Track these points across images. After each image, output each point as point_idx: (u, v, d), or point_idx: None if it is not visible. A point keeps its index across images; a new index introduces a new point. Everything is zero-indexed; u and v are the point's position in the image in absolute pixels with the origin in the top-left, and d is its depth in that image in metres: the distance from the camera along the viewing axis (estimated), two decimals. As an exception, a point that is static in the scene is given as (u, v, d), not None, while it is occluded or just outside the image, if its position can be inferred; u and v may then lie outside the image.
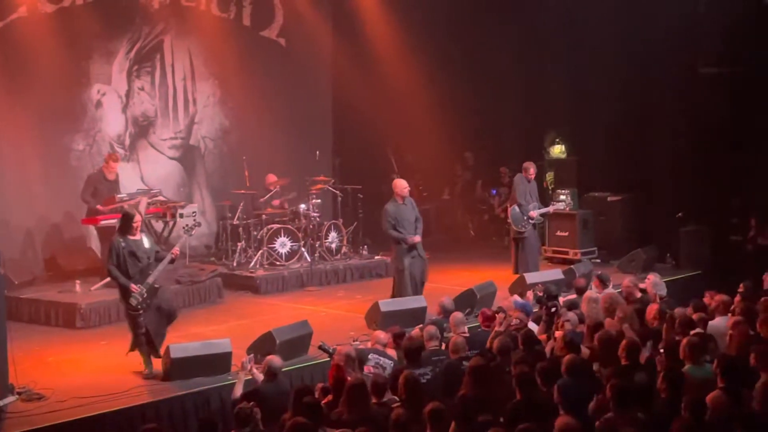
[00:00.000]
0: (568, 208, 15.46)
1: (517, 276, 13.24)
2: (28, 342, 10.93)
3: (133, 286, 9.43)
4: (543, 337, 9.44)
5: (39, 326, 11.87)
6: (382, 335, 9.31)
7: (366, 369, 8.64)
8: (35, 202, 13.68)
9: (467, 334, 9.37)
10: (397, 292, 12.11)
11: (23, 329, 11.55)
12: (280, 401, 7.83)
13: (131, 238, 9.56)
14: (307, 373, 9.75)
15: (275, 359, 8.49)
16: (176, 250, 9.89)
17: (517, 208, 13.99)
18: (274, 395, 8.04)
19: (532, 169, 14.19)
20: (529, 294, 11.21)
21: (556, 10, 16.71)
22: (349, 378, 7.78)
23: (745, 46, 14.62)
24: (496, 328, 9.56)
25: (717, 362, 7.20)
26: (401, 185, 12.30)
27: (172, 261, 9.85)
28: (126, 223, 9.61)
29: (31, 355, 10.36)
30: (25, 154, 13.53)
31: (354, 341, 10.19)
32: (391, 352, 9.19)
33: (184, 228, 10.49)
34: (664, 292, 10.59)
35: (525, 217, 13.93)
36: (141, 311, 9.47)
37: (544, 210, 14.41)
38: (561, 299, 10.62)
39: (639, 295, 10.69)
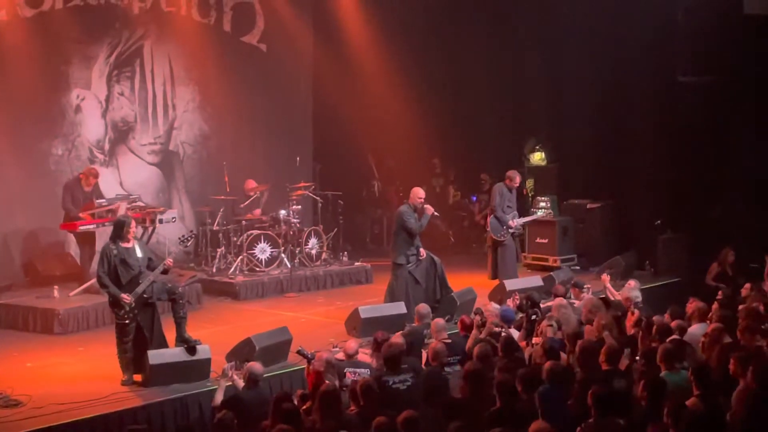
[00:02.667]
0: (551, 214, 15.59)
1: (496, 282, 13.30)
2: (5, 348, 10.92)
3: (124, 296, 9.35)
4: (523, 344, 9.46)
5: (17, 332, 11.78)
6: (351, 345, 9.27)
7: (348, 375, 8.65)
8: (13, 206, 13.59)
9: (449, 341, 9.37)
10: (390, 296, 12.14)
11: (0, 335, 11.50)
12: (260, 408, 7.82)
13: (123, 245, 9.49)
14: (286, 379, 9.75)
15: (257, 366, 8.46)
16: (170, 260, 9.85)
17: (495, 217, 13.99)
18: (255, 402, 8.02)
19: (517, 178, 14.14)
20: (510, 301, 11.22)
21: (535, 18, 16.77)
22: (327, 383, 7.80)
23: (724, 54, 14.70)
24: (474, 332, 9.57)
25: (692, 370, 7.23)
26: (419, 193, 12.29)
27: (165, 272, 9.78)
28: (119, 230, 9.53)
29: (8, 361, 10.33)
30: (3, 158, 13.45)
31: (334, 347, 10.19)
32: (365, 359, 9.18)
33: (180, 239, 10.46)
34: (639, 299, 10.63)
35: (504, 227, 13.91)
36: (128, 321, 9.41)
37: (526, 219, 14.36)
38: (541, 306, 10.65)
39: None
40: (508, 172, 14.23)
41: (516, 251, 14.52)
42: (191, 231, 13.00)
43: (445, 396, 7.76)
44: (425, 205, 12.24)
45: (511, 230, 13.97)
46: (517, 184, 14.18)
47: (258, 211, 14.87)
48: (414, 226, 12.08)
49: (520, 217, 14.24)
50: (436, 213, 12.50)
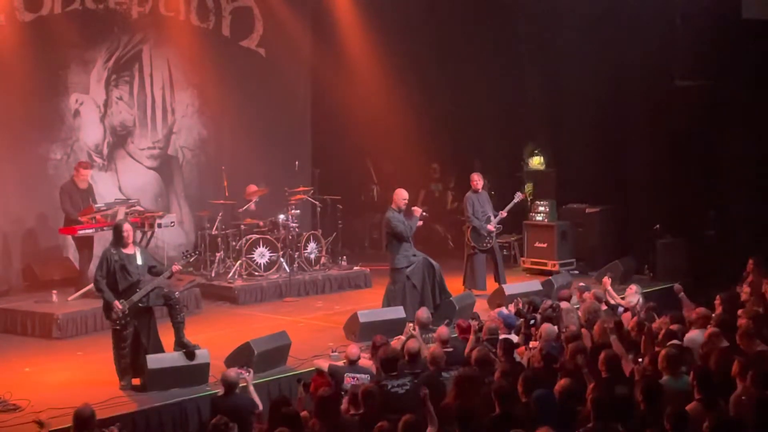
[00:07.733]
0: (546, 219, 15.58)
1: (495, 286, 13.31)
2: (4, 352, 10.92)
3: (117, 303, 9.35)
4: (521, 349, 9.46)
5: (15, 336, 11.79)
6: (354, 350, 9.25)
7: (347, 380, 8.65)
8: (12, 211, 13.60)
9: (450, 349, 9.29)
10: (387, 301, 12.15)
11: (-1, 339, 11.53)
12: (235, 415, 7.73)
13: (124, 251, 9.49)
14: (285, 384, 9.73)
15: (231, 373, 8.36)
16: (176, 266, 9.86)
17: (474, 228, 13.76)
18: (230, 409, 7.87)
19: (476, 176, 13.85)
20: (511, 306, 11.20)
21: (533, 22, 16.78)
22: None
23: (722, 58, 14.72)
24: (471, 337, 9.56)
25: (693, 374, 7.23)
26: (403, 195, 12.25)
27: (170, 276, 9.82)
28: (117, 235, 9.55)
29: (7, 366, 10.32)
30: (1, 162, 13.46)
31: (333, 352, 10.19)
32: (367, 363, 9.17)
33: (183, 254, 10.47)
34: (635, 301, 10.65)
35: (485, 234, 13.80)
36: (119, 327, 9.40)
37: (501, 216, 14.02)
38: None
39: (603, 307, 10.68)
40: (471, 175, 13.99)
41: (497, 259, 14.20)
42: (196, 249, 13.01)
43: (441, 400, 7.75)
44: (413, 208, 12.20)
45: (492, 234, 13.84)
46: (481, 186, 13.94)
47: (254, 207, 14.79)
48: (403, 230, 12.05)
49: (495, 216, 13.84)
50: (424, 213, 12.46)
